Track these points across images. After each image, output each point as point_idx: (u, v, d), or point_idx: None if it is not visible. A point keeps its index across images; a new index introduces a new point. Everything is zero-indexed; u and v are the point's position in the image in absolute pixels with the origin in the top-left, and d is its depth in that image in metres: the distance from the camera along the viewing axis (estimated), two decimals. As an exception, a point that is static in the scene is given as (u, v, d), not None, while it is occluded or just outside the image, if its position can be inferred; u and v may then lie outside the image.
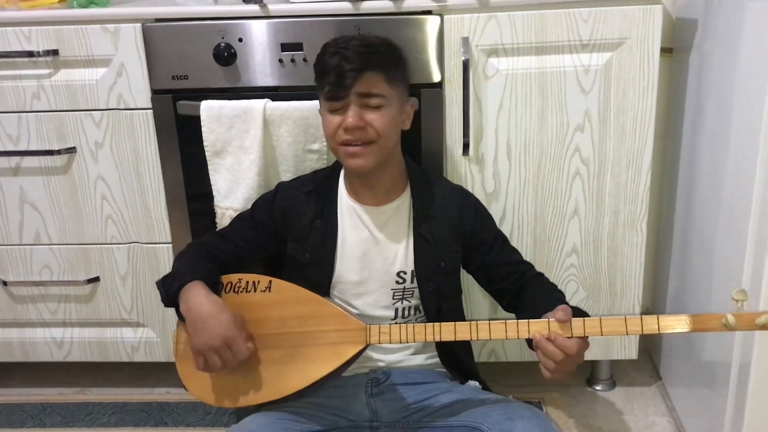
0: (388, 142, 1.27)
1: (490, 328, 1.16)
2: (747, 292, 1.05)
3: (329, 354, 1.22)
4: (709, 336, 1.46)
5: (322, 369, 1.22)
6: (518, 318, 1.30)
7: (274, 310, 1.26)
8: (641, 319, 1.10)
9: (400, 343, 1.21)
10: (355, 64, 1.22)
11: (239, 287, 1.29)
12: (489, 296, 1.45)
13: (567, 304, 1.24)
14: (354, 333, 1.23)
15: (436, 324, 1.19)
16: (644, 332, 1.10)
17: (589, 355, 1.16)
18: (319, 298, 1.26)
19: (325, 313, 1.25)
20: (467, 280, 1.45)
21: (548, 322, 1.13)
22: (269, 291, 1.27)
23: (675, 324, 1.09)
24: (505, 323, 1.15)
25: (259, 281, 1.28)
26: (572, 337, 1.12)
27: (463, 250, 1.37)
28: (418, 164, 1.43)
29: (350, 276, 1.34)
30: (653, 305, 1.89)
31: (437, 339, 1.19)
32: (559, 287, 1.61)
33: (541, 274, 1.39)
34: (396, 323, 1.35)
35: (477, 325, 1.17)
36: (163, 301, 1.31)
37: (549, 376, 1.14)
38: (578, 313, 1.18)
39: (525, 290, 1.34)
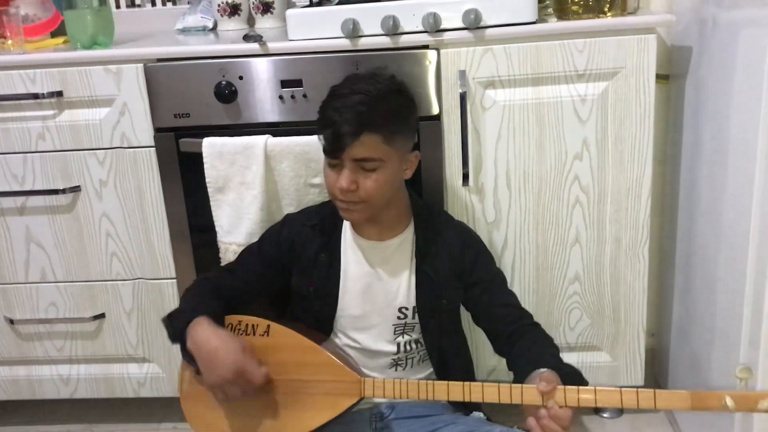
0: (378, 201, 1.26)
1: (483, 390, 1.15)
2: (751, 369, 1.03)
3: (325, 404, 1.23)
4: (714, 361, 1.45)
5: (318, 418, 1.23)
6: (508, 368, 1.30)
7: (272, 354, 1.26)
8: (637, 392, 1.08)
9: (394, 398, 1.21)
10: (351, 126, 1.19)
11: (239, 329, 1.29)
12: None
13: (560, 359, 1.24)
14: (348, 385, 1.23)
15: (429, 382, 1.19)
16: (640, 406, 1.08)
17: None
18: (315, 346, 1.26)
19: (321, 362, 1.25)
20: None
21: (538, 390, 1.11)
22: (267, 335, 1.28)
23: (673, 400, 1.08)
24: (498, 387, 1.14)
25: (257, 324, 1.28)
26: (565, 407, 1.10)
27: (462, 287, 1.37)
28: (419, 195, 1.45)
29: (352, 310, 1.35)
30: (658, 331, 1.88)
31: (430, 397, 1.19)
32: (565, 313, 1.62)
33: (537, 325, 1.36)
34: (398, 357, 1.36)
35: (470, 386, 1.16)
36: (169, 337, 1.31)
37: None
38: (572, 373, 1.17)
39: (519, 339, 1.32)
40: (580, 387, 1.11)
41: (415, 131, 1.33)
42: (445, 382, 1.18)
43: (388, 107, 1.23)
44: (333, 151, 1.22)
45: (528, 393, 1.12)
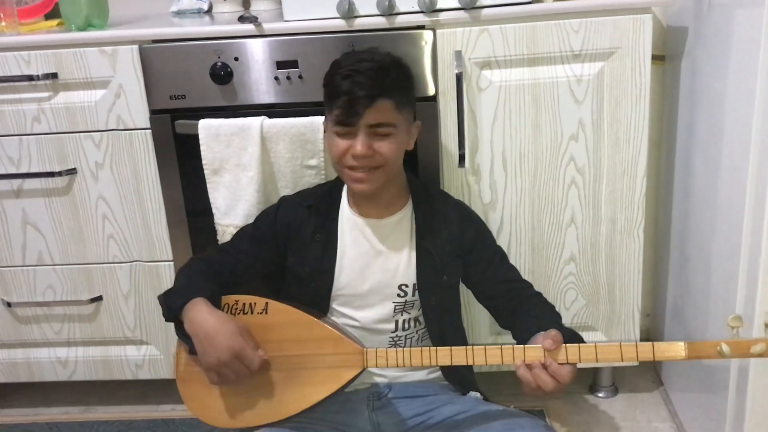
0: (393, 166, 1.28)
1: (485, 353, 1.15)
2: (742, 318, 1.05)
3: (327, 377, 1.23)
4: (708, 341, 1.46)
5: (320, 392, 1.23)
6: (513, 337, 1.31)
7: (271, 332, 1.26)
8: (636, 345, 1.10)
9: (397, 367, 1.22)
10: (367, 90, 1.21)
11: (236, 309, 1.29)
12: (488, 309, 1.46)
13: (562, 326, 1.24)
14: (351, 357, 1.23)
15: (432, 348, 1.19)
16: (639, 359, 1.10)
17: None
18: (315, 320, 1.26)
19: (321, 336, 1.25)
20: (468, 292, 1.45)
21: (542, 348, 1.12)
22: (266, 313, 1.28)
23: (670, 351, 1.09)
24: (501, 349, 1.15)
25: (255, 303, 1.28)
26: (566, 363, 1.11)
27: (462, 264, 1.38)
28: (416, 176, 1.45)
29: (351, 289, 1.35)
30: (653, 311, 1.89)
31: (434, 364, 1.19)
32: (560, 294, 1.64)
33: (539, 294, 1.39)
34: (396, 335, 1.36)
35: (473, 350, 1.16)
36: (164, 315, 1.32)
37: (530, 395, 1.14)
38: (572, 336, 1.18)
39: (521, 309, 1.34)
40: (581, 344, 1.12)
41: (415, 105, 1.35)
42: (448, 347, 1.18)
43: (396, 75, 1.26)
44: (348, 118, 1.23)
45: (531, 353, 1.13)
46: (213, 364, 1.21)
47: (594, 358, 1.11)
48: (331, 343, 1.24)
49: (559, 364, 1.11)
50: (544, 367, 1.11)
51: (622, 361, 1.11)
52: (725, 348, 1.05)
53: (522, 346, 1.14)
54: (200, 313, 1.24)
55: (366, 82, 1.21)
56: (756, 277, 1.23)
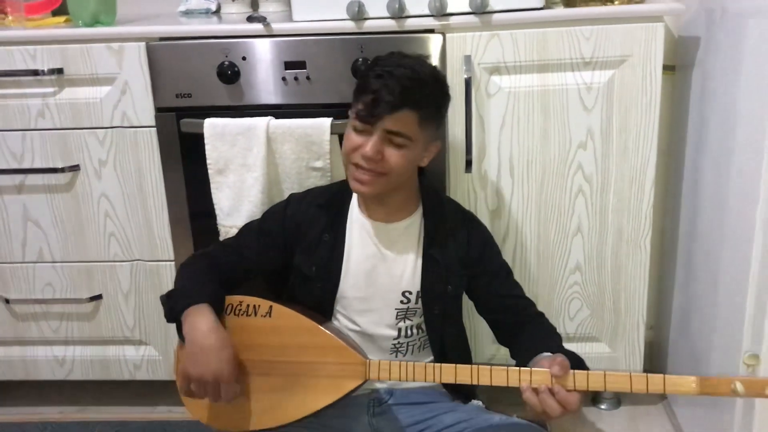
0: (398, 178, 1.25)
1: (491, 374, 1.14)
2: (759, 357, 1.04)
3: (328, 386, 1.22)
4: (714, 354, 1.45)
5: (320, 401, 1.22)
6: (512, 356, 1.28)
7: (274, 336, 1.25)
8: (646, 377, 1.07)
9: (399, 380, 1.20)
10: (394, 97, 1.18)
11: (240, 310, 1.28)
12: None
13: (564, 349, 1.22)
14: (353, 367, 1.22)
15: (437, 365, 1.18)
16: (649, 392, 1.07)
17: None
18: (319, 327, 1.25)
19: (325, 344, 1.24)
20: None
21: (550, 373, 1.10)
22: (269, 316, 1.26)
23: (681, 385, 1.06)
24: (507, 370, 1.12)
25: (259, 305, 1.27)
26: (574, 390, 1.09)
27: (467, 276, 1.36)
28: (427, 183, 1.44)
29: (355, 292, 1.33)
30: (658, 323, 1.88)
31: (437, 380, 1.18)
32: (565, 303, 1.62)
33: (541, 314, 1.37)
34: (398, 342, 1.35)
35: (478, 369, 1.15)
36: (165, 316, 1.30)
37: (534, 418, 1.13)
38: (574, 359, 1.16)
39: (523, 328, 1.32)
40: (590, 371, 1.10)
41: (442, 124, 1.32)
42: (452, 365, 1.16)
43: (430, 91, 1.23)
44: (368, 116, 1.20)
45: (537, 377, 1.10)
46: (193, 376, 1.20)
47: (602, 387, 1.09)
48: (334, 352, 1.23)
49: (567, 391, 1.09)
50: (552, 392, 1.09)
51: (631, 392, 1.08)
52: (739, 387, 1.02)
53: (529, 369, 1.12)
54: (202, 323, 1.21)
55: (396, 87, 1.19)
56: (766, 287, 1.21)
